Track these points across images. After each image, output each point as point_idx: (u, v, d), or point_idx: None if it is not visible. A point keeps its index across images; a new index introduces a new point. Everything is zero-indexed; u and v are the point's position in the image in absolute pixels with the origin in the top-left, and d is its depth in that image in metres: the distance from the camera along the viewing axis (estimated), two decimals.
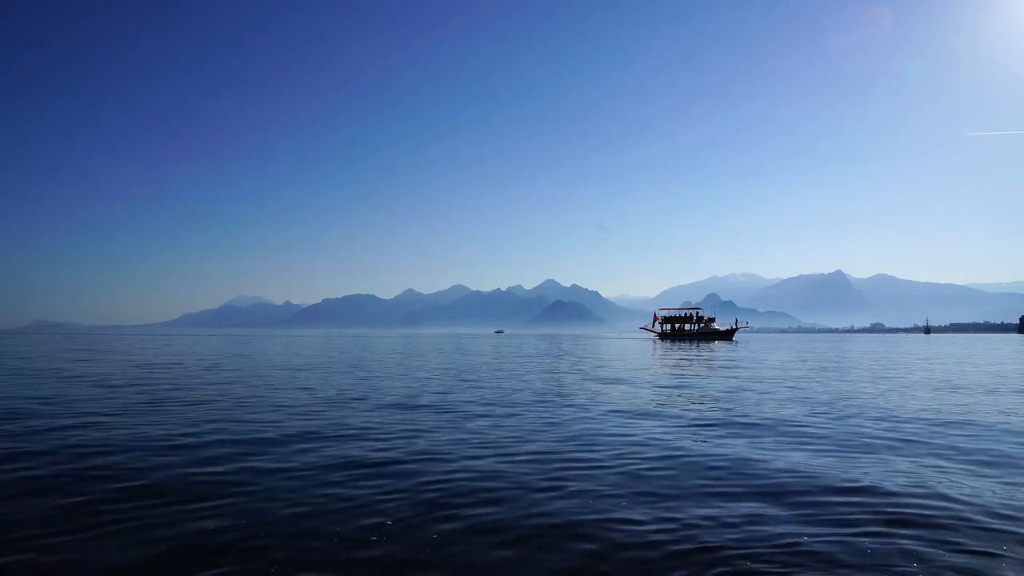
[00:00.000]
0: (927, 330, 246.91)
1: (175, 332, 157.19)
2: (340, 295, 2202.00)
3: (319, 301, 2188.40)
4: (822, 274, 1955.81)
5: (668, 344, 46.13)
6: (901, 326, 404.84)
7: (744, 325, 65.51)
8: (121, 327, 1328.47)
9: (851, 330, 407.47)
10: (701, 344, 46.08)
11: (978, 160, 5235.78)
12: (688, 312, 65.51)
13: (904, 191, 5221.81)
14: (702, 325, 63.55)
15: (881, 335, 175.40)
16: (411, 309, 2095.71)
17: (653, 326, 67.30)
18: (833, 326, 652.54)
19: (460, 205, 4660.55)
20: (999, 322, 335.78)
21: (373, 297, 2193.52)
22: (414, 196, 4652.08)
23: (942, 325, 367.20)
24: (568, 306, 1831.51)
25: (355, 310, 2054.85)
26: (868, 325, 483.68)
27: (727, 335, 62.20)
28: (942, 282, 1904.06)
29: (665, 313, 67.26)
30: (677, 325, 65.09)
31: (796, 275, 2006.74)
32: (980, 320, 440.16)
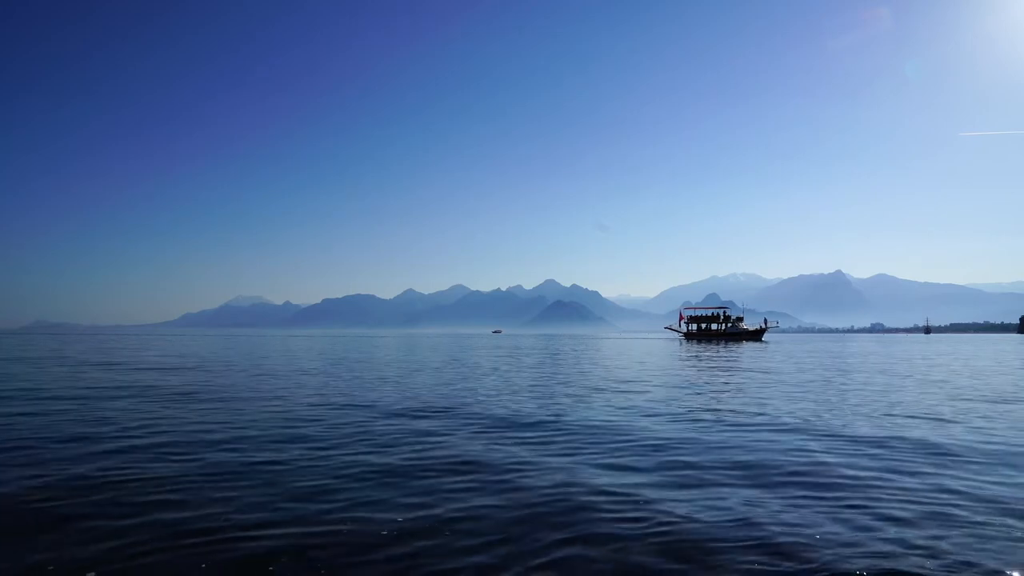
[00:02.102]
0: (927, 330, 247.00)
1: (175, 332, 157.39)
2: (340, 295, 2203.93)
3: (319, 301, 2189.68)
4: (822, 274, 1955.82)
5: (696, 345, 44.79)
6: (901, 326, 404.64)
7: (774, 324, 64.27)
8: (121, 327, 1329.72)
9: (851, 330, 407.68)
10: (730, 345, 44.81)
11: (978, 160, 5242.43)
12: (715, 311, 64.06)
13: (904, 191, 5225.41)
14: (730, 325, 62.11)
15: (882, 335, 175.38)
16: (411, 309, 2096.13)
17: (679, 325, 66.04)
18: (833, 326, 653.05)
19: (460, 205, 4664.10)
20: (999, 322, 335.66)
21: (373, 297, 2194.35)
22: (414, 196, 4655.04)
23: (942, 325, 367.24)
24: (568, 306, 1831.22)
25: (355, 310, 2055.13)
26: (868, 325, 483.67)
27: (756, 335, 60.90)
28: (942, 282, 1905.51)
29: (691, 312, 65.93)
30: (704, 325, 63.74)
31: (796, 275, 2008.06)
32: (980, 320, 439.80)
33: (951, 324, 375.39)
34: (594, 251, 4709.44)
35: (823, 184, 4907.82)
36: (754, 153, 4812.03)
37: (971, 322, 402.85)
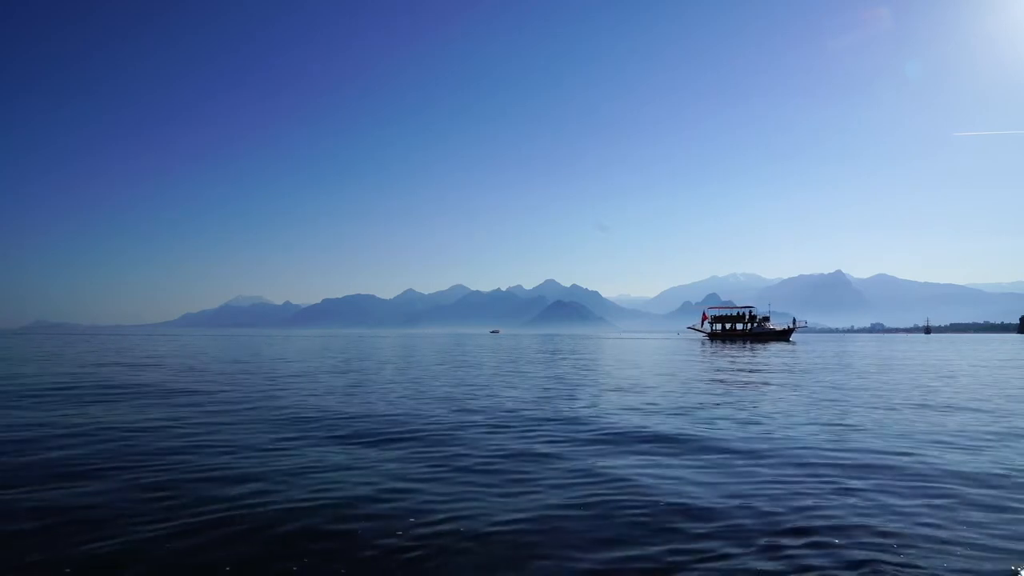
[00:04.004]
0: (927, 330, 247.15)
1: (175, 332, 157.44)
2: (340, 295, 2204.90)
3: (319, 301, 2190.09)
4: (822, 274, 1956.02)
5: (720, 345, 43.20)
6: (901, 326, 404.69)
7: (802, 324, 62.60)
8: (121, 327, 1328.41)
9: (851, 330, 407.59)
10: (756, 345, 43.35)
11: (978, 160, 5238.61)
12: (740, 311, 62.54)
13: (904, 191, 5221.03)
14: (755, 324, 60.58)
15: (882, 335, 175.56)
16: (411, 309, 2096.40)
17: (702, 325, 64.53)
18: (833, 326, 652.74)
19: (460, 205, 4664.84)
20: (999, 322, 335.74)
21: (373, 297, 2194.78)
22: (414, 196, 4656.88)
23: (942, 325, 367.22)
24: (568, 306, 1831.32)
25: (355, 310, 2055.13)
26: (868, 325, 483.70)
27: (784, 335, 59.43)
28: (942, 282, 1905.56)
29: (715, 312, 64.51)
30: (728, 325, 62.22)
31: (796, 275, 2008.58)
32: (980, 320, 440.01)
33: (951, 324, 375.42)
34: (594, 251, 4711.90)
35: (823, 184, 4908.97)
36: (754, 153, 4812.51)
37: (971, 322, 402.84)
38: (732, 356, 27.41)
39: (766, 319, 61.37)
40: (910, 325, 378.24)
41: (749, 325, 60.82)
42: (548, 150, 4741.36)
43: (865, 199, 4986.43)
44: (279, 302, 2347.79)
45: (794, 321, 61.32)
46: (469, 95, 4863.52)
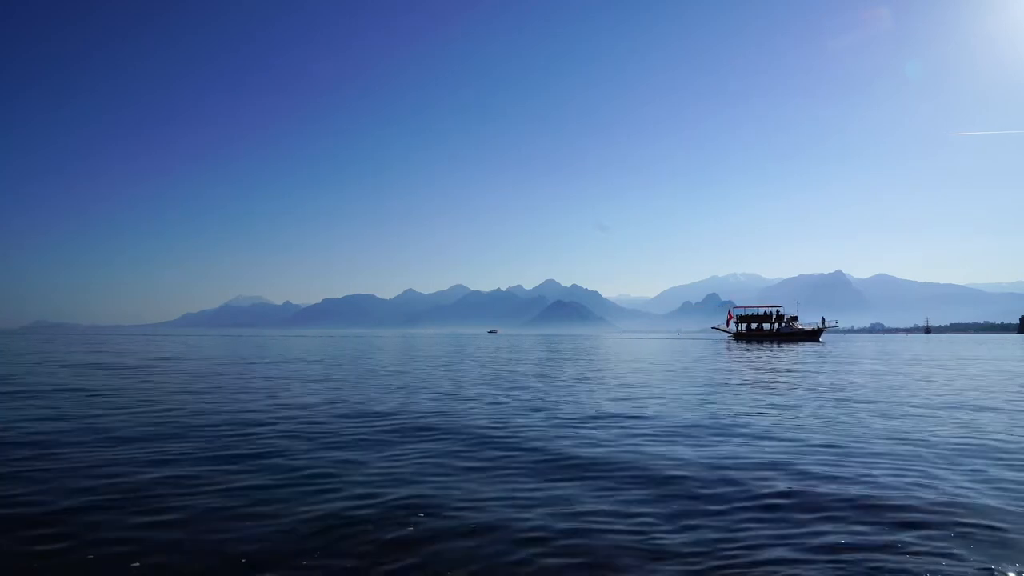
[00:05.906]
0: (927, 330, 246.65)
1: (175, 332, 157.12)
2: (340, 295, 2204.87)
3: (319, 301, 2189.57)
4: (822, 274, 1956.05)
5: (747, 346, 42.10)
6: (901, 326, 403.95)
7: (833, 324, 61.37)
8: (121, 327, 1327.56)
9: (851, 330, 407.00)
10: (785, 346, 42.26)
11: (978, 160, 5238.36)
12: (767, 310, 61.51)
13: (904, 191, 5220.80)
14: (783, 324, 59.39)
15: (882, 335, 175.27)
16: (411, 309, 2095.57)
17: (728, 325, 63.55)
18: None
19: (460, 205, 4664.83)
20: (999, 322, 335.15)
21: (373, 297, 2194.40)
22: (414, 196, 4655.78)
23: (942, 325, 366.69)
24: (568, 306, 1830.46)
25: (355, 310, 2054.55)
26: (868, 325, 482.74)
27: (813, 335, 58.35)
28: (942, 282, 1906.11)
29: (741, 311, 63.46)
30: (755, 324, 61.15)
31: (796, 275, 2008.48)
32: (980, 320, 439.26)
33: (951, 324, 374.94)
34: (594, 251, 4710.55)
35: (823, 184, 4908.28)
36: (754, 153, 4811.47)
37: (971, 322, 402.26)
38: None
39: (794, 319, 60.08)
40: (910, 325, 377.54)
41: (777, 325, 59.61)
42: (548, 150, 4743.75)
43: (865, 199, 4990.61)
44: (279, 302, 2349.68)
45: (823, 321, 60.06)
46: (469, 95, 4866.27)
